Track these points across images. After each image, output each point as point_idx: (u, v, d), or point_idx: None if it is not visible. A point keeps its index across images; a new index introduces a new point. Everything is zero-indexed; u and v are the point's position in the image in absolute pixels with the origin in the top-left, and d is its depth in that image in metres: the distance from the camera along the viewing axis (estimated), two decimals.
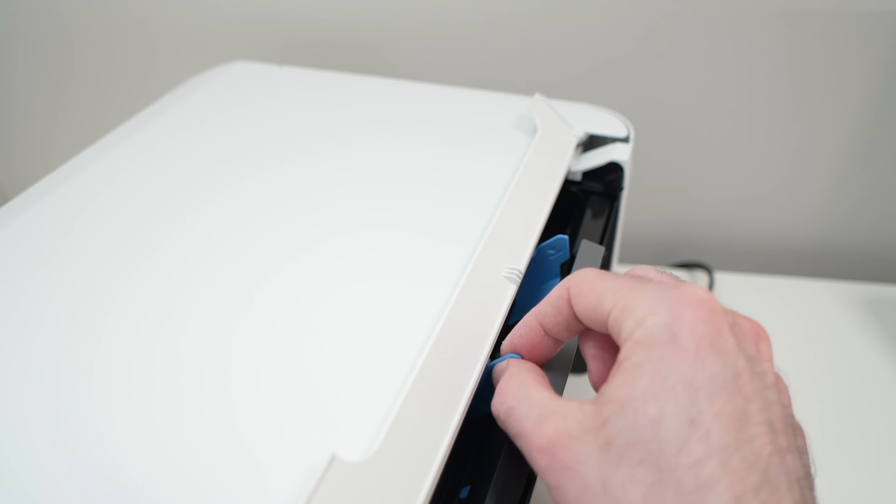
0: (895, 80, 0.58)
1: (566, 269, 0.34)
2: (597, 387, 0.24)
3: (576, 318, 0.24)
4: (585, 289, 0.24)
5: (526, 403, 0.23)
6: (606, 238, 0.40)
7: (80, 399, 0.25)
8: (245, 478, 0.22)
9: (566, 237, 0.34)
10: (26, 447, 0.23)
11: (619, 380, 0.20)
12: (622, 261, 0.68)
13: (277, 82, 0.48)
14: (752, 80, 0.60)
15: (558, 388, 0.28)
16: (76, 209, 0.35)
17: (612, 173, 0.42)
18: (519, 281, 0.31)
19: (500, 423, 0.24)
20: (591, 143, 0.44)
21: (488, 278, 0.30)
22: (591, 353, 0.25)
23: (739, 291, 0.62)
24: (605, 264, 0.46)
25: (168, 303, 0.29)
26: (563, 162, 0.40)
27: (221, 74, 0.49)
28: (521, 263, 0.32)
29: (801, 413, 0.54)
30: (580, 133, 0.42)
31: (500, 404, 0.24)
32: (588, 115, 0.45)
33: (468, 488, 0.29)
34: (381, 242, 0.33)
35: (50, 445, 0.23)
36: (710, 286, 0.61)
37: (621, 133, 0.43)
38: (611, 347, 0.24)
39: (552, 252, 0.35)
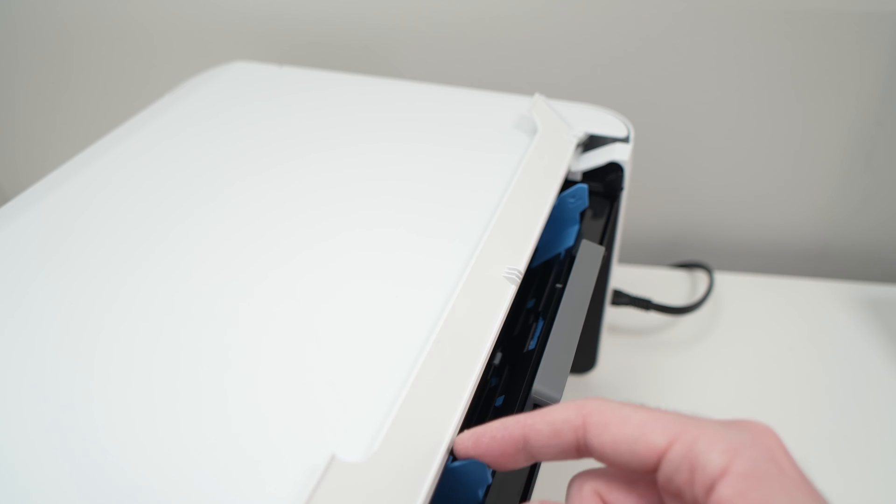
0: (895, 80, 0.58)
1: (583, 217, 0.38)
2: None
3: (576, 449, 0.22)
4: (615, 420, 0.21)
5: None
6: (606, 238, 0.40)
7: (79, 399, 0.25)
8: (245, 478, 0.22)
9: (586, 186, 0.36)
10: (25, 447, 0.23)
11: None
12: (622, 261, 0.68)
13: (277, 82, 0.48)
14: (752, 80, 0.60)
15: (559, 390, 0.28)
16: (76, 209, 0.35)
17: (612, 173, 0.42)
18: (519, 281, 0.31)
19: None
20: (591, 143, 0.44)
21: (488, 278, 0.30)
22: (590, 490, 0.22)
23: (739, 291, 0.62)
24: (605, 264, 0.46)
25: (167, 303, 0.29)
26: (563, 162, 0.40)
27: (221, 74, 0.49)
28: (521, 263, 0.32)
29: (801, 413, 0.54)
30: (580, 133, 0.42)
31: None
32: (588, 115, 0.45)
33: (502, 398, 0.29)
34: (381, 242, 0.33)
35: (48, 445, 0.23)
36: (710, 286, 0.60)
37: (621, 133, 0.43)
38: (627, 488, 0.22)
39: (573, 200, 0.37)
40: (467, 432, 0.24)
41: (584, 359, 0.53)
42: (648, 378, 0.54)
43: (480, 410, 0.31)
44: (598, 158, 0.42)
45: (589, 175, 0.42)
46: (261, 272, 0.31)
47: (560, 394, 0.28)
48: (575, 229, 0.38)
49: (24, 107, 0.70)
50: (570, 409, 0.22)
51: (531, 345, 0.32)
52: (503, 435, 0.23)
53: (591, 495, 0.22)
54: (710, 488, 0.19)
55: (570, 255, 0.35)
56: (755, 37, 0.57)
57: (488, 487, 0.26)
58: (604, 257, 0.35)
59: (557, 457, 0.22)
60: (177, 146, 0.40)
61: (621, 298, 0.56)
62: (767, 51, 0.58)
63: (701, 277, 0.64)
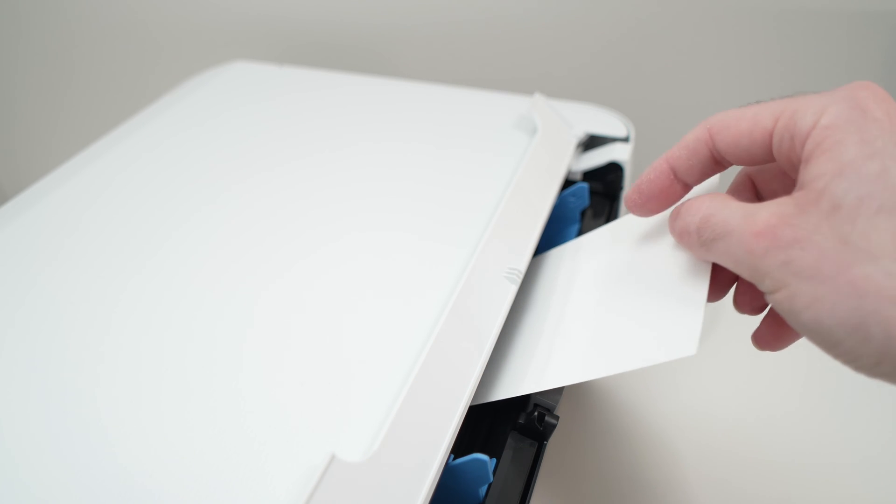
0: (895, 80, 0.58)
1: (583, 217, 0.39)
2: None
3: (713, 159, 0.25)
4: (732, 121, 0.24)
5: (725, 208, 0.23)
6: None
7: (84, 399, 0.25)
8: (244, 477, 0.22)
9: (587, 185, 0.38)
10: (31, 448, 0.23)
11: (822, 159, 0.21)
12: None
13: (277, 82, 0.48)
14: (751, 80, 0.60)
15: (559, 389, 0.28)
16: (76, 209, 0.35)
17: (612, 173, 0.42)
18: (519, 281, 0.31)
19: (687, 236, 0.24)
20: (592, 142, 0.44)
21: (488, 278, 0.30)
22: (744, 174, 0.26)
23: None
24: None
25: (169, 303, 0.29)
26: (564, 162, 0.40)
27: (221, 74, 0.49)
28: (522, 263, 0.32)
29: (802, 413, 0.53)
30: (580, 133, 0.42)
31: (691, 216, 0.24)
32: (588, 115, 0.45)
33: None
34: (381, 243, 0.33)
35: (54, 443, 0.23)
36: None
37: (621, 133, 0.43)
38: (767, 180, 0.26)
39: (573, 199, 0.38)
40: (629, 190, 0.27)
41: None
42: (648, 378, 0.54)
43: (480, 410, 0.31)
44: (598, 158, 0.42)
45: (589, 175, 0.42)
46: (261, 273, 0.31)
47: (559, 393, 0.28)
48: (575, 228, 0.38)
49: (25, 106, 0.70)
50: (697, 129, 0.25)
51: None
52: (655, 175, 0.26)
53: (744, 178, 0.27)
54: (802, 147, 0.22)
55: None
56: (755, 36, 0.57)
57: (489, 485, 0.26)
58: None
59: (703, 174, 0.26)
60: (177, 146, 0.40)
61: None
62: (767, 50, 0.58)
63: None
